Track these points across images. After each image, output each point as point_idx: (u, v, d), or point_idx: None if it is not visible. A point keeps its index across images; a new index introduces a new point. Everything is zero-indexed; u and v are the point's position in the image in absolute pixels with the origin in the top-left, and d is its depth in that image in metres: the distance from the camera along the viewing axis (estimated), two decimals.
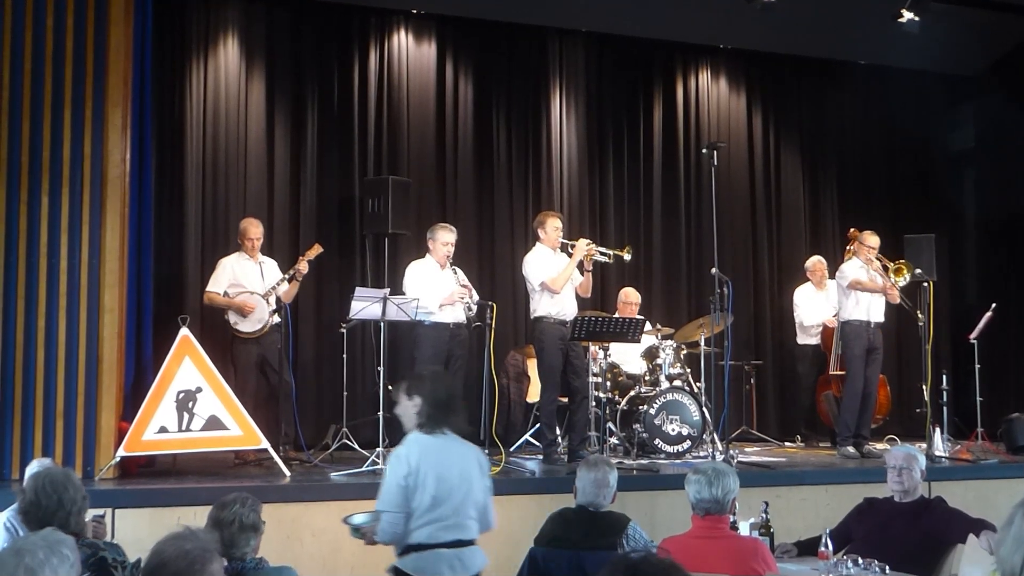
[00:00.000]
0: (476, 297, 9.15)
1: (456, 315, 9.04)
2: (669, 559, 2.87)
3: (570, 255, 9.20)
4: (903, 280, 9.98)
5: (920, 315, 10.14)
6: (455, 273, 9.10)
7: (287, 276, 9.41)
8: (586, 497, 5.45)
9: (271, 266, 9.64)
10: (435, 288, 8.95)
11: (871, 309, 10.03)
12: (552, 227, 9.32)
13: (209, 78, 10.93)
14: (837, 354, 10.68)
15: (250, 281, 9.41)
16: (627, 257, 9.52)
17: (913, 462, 5.89)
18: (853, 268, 10.12)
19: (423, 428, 5.06)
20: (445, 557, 4.91)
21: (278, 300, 9.26)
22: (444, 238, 9.14)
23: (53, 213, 7.99)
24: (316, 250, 9.62)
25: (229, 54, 10.99)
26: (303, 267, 9.44)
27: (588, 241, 9.31)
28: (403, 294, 8.93)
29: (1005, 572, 3.37)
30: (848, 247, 10.53)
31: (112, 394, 8.03)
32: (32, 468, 5.46)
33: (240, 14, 11.09)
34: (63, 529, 4.05)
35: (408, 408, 5.12)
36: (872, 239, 10.12)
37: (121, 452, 7.87)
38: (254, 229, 9.60)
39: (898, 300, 10.05)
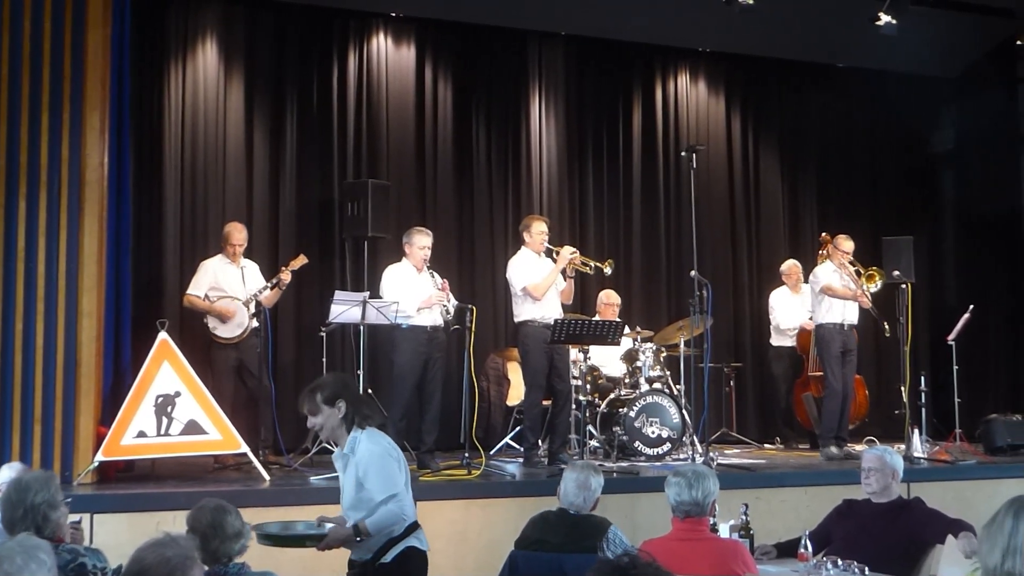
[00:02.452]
0: (453, 300, 9.15)
1: (434, 318, 9.04)
2: (656, 563, 2.87)
3: (554, 260, 9.22)
4: (875, 287, 10.04)
5: (887, 326, 10.28)
6: (432, 277, 9.09)
7: (269, 285, 9.39)
8: (567, 499, 5.47)
9: (253, 270, 9.61)
10: (413, 292, 8.95)
11: (845, 312, 10.08)
12: (537, 231, 9.34)
13: (188, 81, 10.88)
14: (814, 355, 10.73)
15: (231, 286, 9.37)
16: (608, 271, 9.52)
17: (883, 463, 5.91)
18: (826, 272, 10.17)
19: (363, 425, 5.24)
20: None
21: (258, 304, 9.23)
22: (421, 242, 9.14)
23: (31, 217, 7.95)
24: (300, 261, 9.58)
25: (208, 57, 10.95)
26: (286, 277, 9.42)
27: (573, 249, 9.31)
28: (381, 298, 8.93)
29: (987, 568, 3.42)
30: (820, 251, 10.59)
31: (90, 398, 7.99)
32: (3, 474, 5.46)
33: (219, 17, 11.06)
34: (37, 534, 4.04)
35: (332, 416, 5.22)
36: (846, 243, 10.16)
37: (100, 457, 7.84)
38: (238, 234, 9.56)
39: (869, 306, 10.11)
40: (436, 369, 9.05)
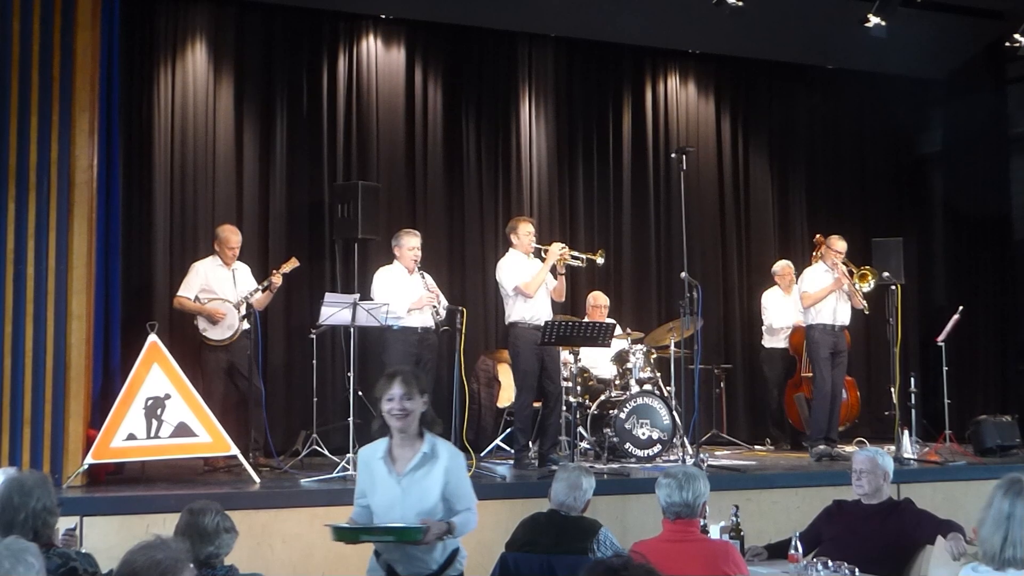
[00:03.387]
0: (444, 302, 9.15)
1: (424, 320, 9.04)
2: (648, 564, 2.87)
3: (543, 260, 9.22)
4: (867, 286, 10.05)
5: (865, 307, 10.19)
6: (423, 278, 9.09)
7: (260, 287, 9.37)
8: (558, 500, 5.48)
9: (244, 272, 9.59)
10: (404, 293, 8.95)
11: (836, 313, 10.08)
12: (525, 232, 9.34)
13: (178, 83, 10.85)
14: (807, 356, 10.74)
15: (222, 288, 9.35)
16: (600, 261, 9.54)
17: (874, 465, 5.93)
18: (816, 273, 10.17)
19: (431, 429, 4.91)
20: None
21: (249, 306, 9.20)
22: (410, 243, 9.14)
23: (20, 218, 7.91)
24: (292, 264, 9.55)
25: (198, 59, 10.93)
26: (277, 280, 9.39)
27: (562, 245, 9.33)
28: (372, 300, 8.93)
29: (986, 551, 3.44)
30: (815, 252, 10.59)
31: (80, 401, 7.96)
32: None
33: (209, 18, 11.03)
34: (34, 538, 4.04)
35: (420, 407, 4.84)
36: (839, 244, 10.17)
37: (89, 459, 7.81)
38: (234, 238, 9.53)
39: (861, 305, 10.13)
40: (427, 371, 9.03)
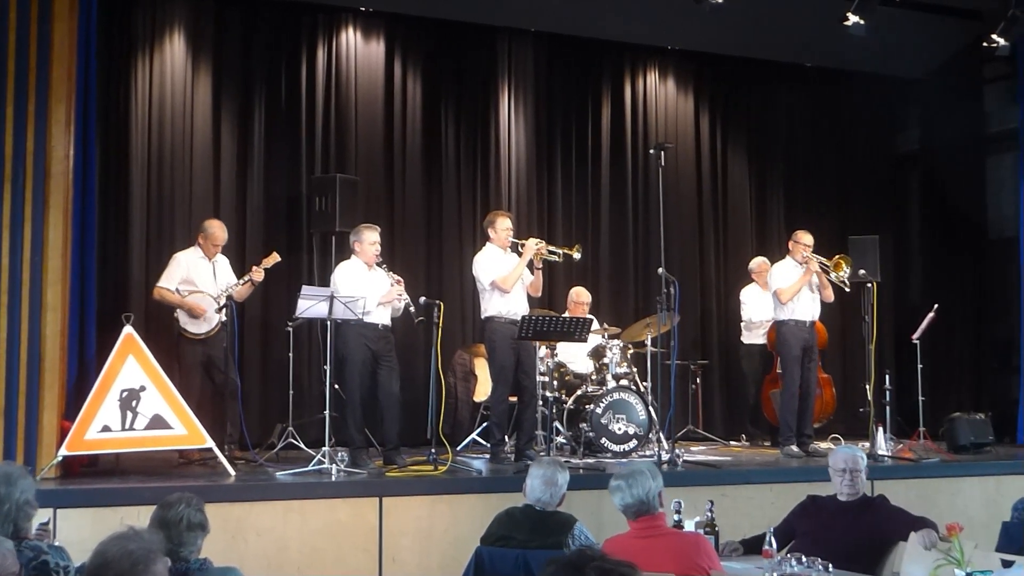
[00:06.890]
0: (406, 296, 9.09)
1: (383, 317, 9.00)
2: (605, 555, 2.87)
3: (520, 255, 9.21)
4: (843, 273, 10.06)
5: (845, 285, 10.21)
6: (387, 273, 9.05)
7: (241, 282, 9.32)
8: (534, 495, 5.47)
9: (224, 265, 9.53)
10: (368, 288, 8.88)
11: (806, 308, 10.10)
12: (502, 227, 9.32)
13: (155, 74, 10.79)
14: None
15: (203, 280, 9.29)
16: (577, 256, 9.53)
17: (858, 463, 5.96)
18: (786, 269, 10.19)
19: None
20: None
21: (228, 298, 9.15)
22: (371, 238, 9.08)
23: None
24: (273, 259, 9.48)
25: (176, 50, 10.86)
26: (258, 276, 9.34)
27: (538, 240, 9.33)
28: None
29: None
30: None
31: (54, 393, 7.94)
32: None
33: (187, 10, 10.96)
34: (14, 530, 4.03)
35: None
36: (806, 237, 10.19)
37: (63, 451, 7.78)
38: (222, 234, 9.44)
39: (831, 298, 10.16)
40: (389, 368, 8.99)
